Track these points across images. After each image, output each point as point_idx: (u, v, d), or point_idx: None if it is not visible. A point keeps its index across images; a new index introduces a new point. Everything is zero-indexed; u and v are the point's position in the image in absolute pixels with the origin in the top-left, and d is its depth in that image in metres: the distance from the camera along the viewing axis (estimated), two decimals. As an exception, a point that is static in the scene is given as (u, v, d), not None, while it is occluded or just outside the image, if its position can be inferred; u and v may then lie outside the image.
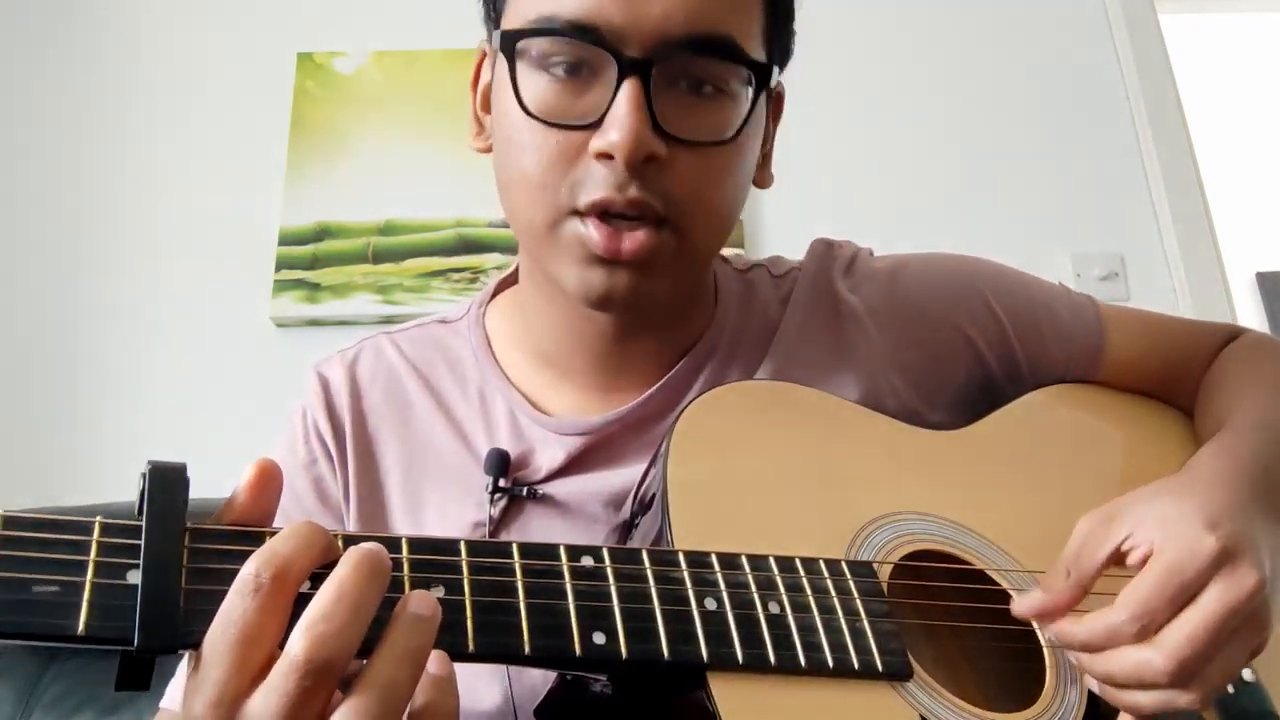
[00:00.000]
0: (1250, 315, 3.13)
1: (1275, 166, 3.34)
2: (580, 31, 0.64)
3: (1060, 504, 0.70)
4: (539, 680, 0.67)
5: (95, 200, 2.04)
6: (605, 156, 0.64)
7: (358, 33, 2.11)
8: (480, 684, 0.70)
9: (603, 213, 0.65)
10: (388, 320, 1.90)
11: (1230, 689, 0.66)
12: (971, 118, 2.11)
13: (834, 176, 2.06)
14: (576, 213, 0.66)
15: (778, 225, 2.01)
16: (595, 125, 0.64)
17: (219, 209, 2.03)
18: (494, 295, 0.86)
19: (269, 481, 0.49)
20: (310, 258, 1.97)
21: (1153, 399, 0.86)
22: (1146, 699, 0.58)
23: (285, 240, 1.98)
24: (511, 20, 0.68)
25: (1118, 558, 0.62)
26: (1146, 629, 0.57)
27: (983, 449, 0.76)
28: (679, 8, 0.64)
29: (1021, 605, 0.64)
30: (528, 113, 0.65)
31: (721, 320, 0.81)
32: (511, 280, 0.84)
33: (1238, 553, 0.59)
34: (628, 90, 0.63)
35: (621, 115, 0.63)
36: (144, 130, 2.09)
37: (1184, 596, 0.58)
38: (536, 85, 0.66)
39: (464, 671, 0.70)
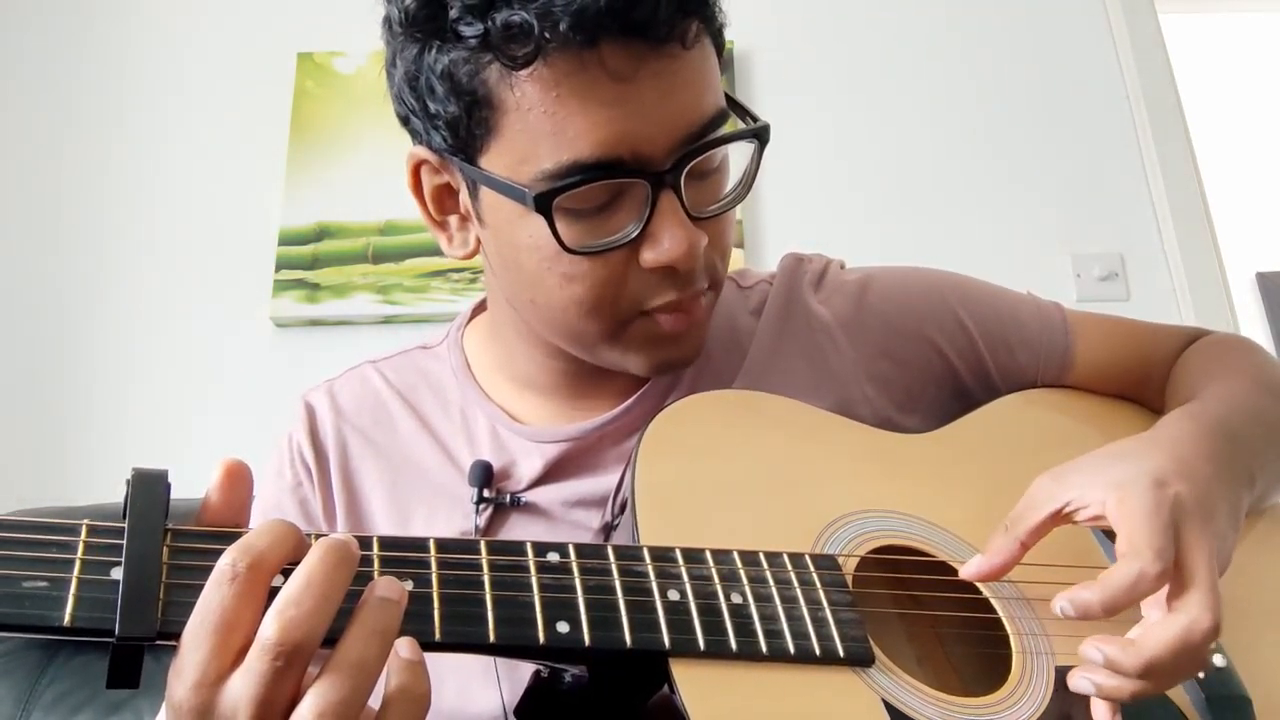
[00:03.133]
0: (1250, 315, 3.13)
1: (1275, 166, 3.33)
2: (608, 169, 0.64)
3: None
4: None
5: (95, 200, 2.05)
6: (666, 269, 0.66)
7: (358, 33, 2.10)
8: (475, 686, 0.71)
9: (672, 308, 0.69)
10: (388, 320, 1.91)
11: (1201, 673, 0.66)
12: (971, 118, 2.11)
13: (833, 178, 2.06)
14: (639, 314, 0.69)
15: (777, 227, 2.00)
16: (638, 238, 0.66)
17: (219, 209, 2.03)
18: (471, 318, 0.88)
19: (237, 480, 0.52)
20: (310, 258, 1.97)
21: (1122, 400, 0.87)
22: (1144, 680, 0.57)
23: (285, 240, 1.98)
24: (510, 166, 0.65)
25: (1062, 518, 0.64)
26: (1166, 570, 0.57)
27: (952, 449, 0.77)
28: (684, 110, 0.65)
29: (966, 569, 0.65)
30: (571, 251, 0.65)
31: None
32: (486, 304, 0.86)
33: (1187, 510, 0.60)
34: (666, 204, 0.65)
35: (671, 230, 0.65)
36: (144, 130, 2.10)
37: (1173, 534, 0.59)
38: (566, 222, 0.65)
39: (460, 674, 0.71)
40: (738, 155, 0.72)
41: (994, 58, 2.15)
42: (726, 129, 0.69)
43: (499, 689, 0.70)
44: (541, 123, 0.63)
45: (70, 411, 1.92)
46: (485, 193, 0.68)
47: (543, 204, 0.64)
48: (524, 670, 0.69)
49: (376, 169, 2.02)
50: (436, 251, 1.95)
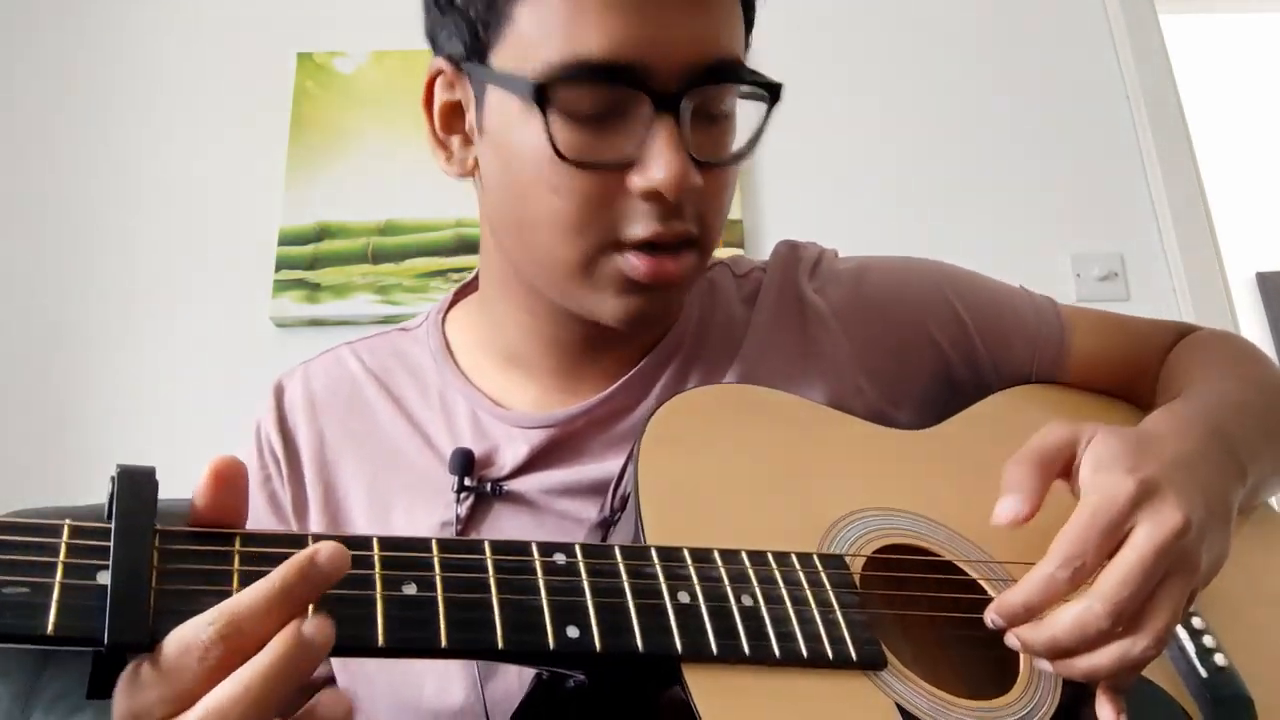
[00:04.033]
0: (1250, 315, 3.13)
1: (1275, 166, 3.34)
2: (613, 73, 0.63)
3: None
4: (513, 682, 0.68)
5: (96, 200, 2.05)
6: (652, 194, 0.65)
7: (358, 33, 2.11)
8: (453, 685, 0.70)
9: (648, 245, 0.67)
10: (388, 320, 1.90)
11: (1204, 674, 0.67)
12: (972, 118, 2.11)
13: (834, 176, 2.06)
14: (615, 246, 0.67)
15: (778, 226, 2.01)
16: (630, 163, 0.65)
17: (219, 209, 2.03)
18: (453, 303, 0.86)
19: (223, 482, 0.49)
20: (310, 258, 1.97)
21: (1116, 398, 0.87)
22: (1102, 658, 0.58)
23: (285, 240, 1.98)
24: (517, 59, 0.65)
25: (1068, 459, 0.63)
26: (1079, 572, 0.57)
27: (951, 446, 0.77)
28: (699, 37, 0.65)
29: (1001, 511, 0.62)
30: (563, 158, 0.64)
31: (685, 318, 0.81)
32: (471, 287, 0.85)
33: (1159, 493, 0.59)
34: (664, 127, 0.64)
35: (665, 154, 0.63)
36: (144, 130, 2.10)
37: (1111, 539, 0.58)
38: (563, 127, 0.64)
39: (436, 672, 0.70)
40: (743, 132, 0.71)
41: (994, 58, 2.16)
42: None
43: (479, 686, 0.69)
44: (556, 13, 0.63)
45: (69, 412, 1.92)
46: (490, 98, 0.68)
47: (541, 96, 0.63)
48: (504, 667, 0.69)
49: (376, 169, 2.02)
50: (436, 251, 1.96)
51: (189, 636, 0.44)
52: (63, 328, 1.97)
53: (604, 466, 0.75)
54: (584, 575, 0.55)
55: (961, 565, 0.67)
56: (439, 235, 1.98)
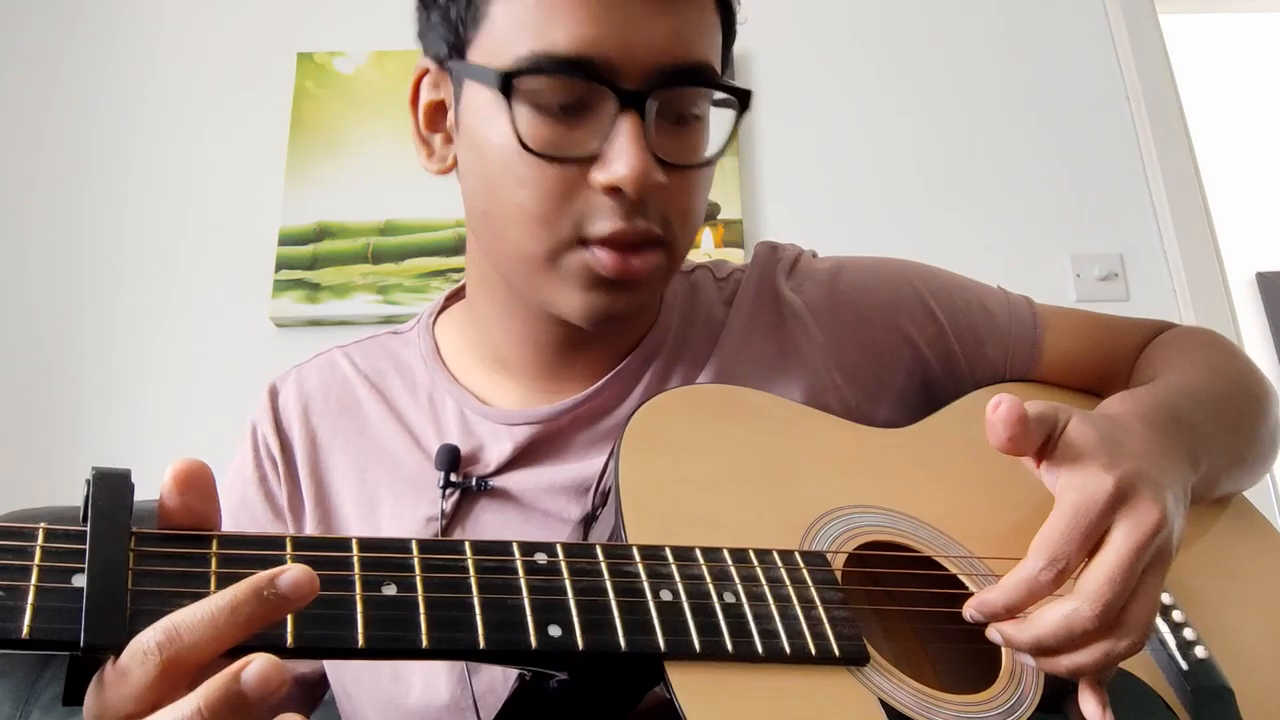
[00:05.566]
0: (1250, 315, 3.13)
1: (1275, 166, 3.34)
2: (578, 68, 0.65)
3: (1007, 496, 0.72)
4: (499, 676, 0.68)
5: (95, 200, 2.05)
6: (613, 190, 0.66)
7: (358, 33, 2.11)
8: (440, 681, 0.71)
9: (612, 242, 0.67)
10: (388, 320, 1.91)
11: (1185, 666, 0.67)
12: (972, 118, 2.11)
13: (833, 177, 2.06)
14: (581, 242, 0.68)
15: (778, 226, 2.01)
16: (594, 158, 0.66)
17: (219, 209, 2.03)
18: (444, 307, 0.87)
19: (189, 482, 0.48)
20: (310, 258, 1.97)
21: (1091, 395, 0.87)
22: (1087, 656, 0.58)
23: (285, 240, 1.98)
24: (490, 53, 0.68)
25: (1046, 433, 0.61)
26: (1063, 573, 0.58)
27: (930, 445, 0.77)
28: (668, 39, 0.66)
29: (998, 417, 0.60)
30: (528, 149, 0.66)
31: (667, 319, 0.83)
32: (462, 292, 0.86)
33: (1136, 491, 0.60)
34: (628, 124, 0.65)
35: (627, 150, 0.65)
36: (144, 130, 2.10)
37: (1092, 538, 0.58)
38: (530, 119, 0.66)
39: (423, 670, 0.71)
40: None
41: (994, 58, 2.15)
42: None
43: (469, 683, 0.70)
44: (529, 11, 0.66)
45: (70, 412, 1.92)
46: (466, 92, 0.70)
47: (506, 85, 0.65)
48: (491, 665, 0.69)
49: (376, 169, 2.02)
50: (436, 251, 1.96)
51: (140, 640, 0.43)
52: (62, 328, 1.97)
53: (588, 464, 0.75)
54: (565, 574, 0.55)
55: (941, 561, 0.67)
56: (439, 235, 1.98)
